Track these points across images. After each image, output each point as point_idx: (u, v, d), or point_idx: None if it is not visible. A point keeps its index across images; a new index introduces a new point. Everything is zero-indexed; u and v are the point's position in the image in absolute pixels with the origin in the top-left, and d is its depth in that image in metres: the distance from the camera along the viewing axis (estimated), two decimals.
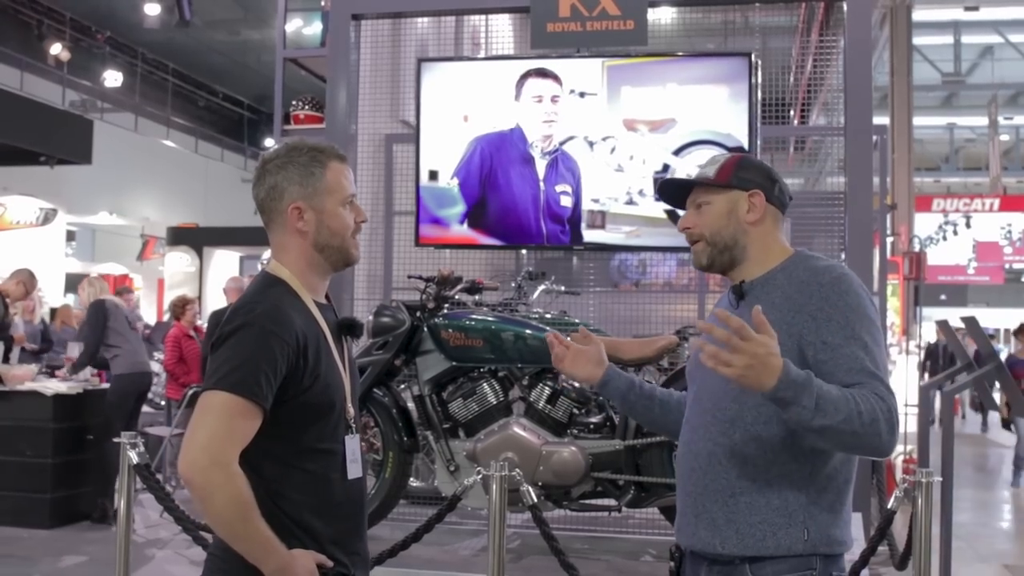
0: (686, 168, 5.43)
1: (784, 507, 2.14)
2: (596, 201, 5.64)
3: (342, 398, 2.14)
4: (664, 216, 5.51)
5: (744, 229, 2.28)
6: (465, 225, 5.76)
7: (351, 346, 2.29)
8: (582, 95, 5.63)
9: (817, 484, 2.14)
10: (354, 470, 2.16)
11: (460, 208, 5.77)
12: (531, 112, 5.68)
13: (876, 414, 2.01)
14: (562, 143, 5.64)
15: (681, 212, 2.39)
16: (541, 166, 5.65)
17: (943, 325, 6.71)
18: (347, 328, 2.24)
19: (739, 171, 2.30)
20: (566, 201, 5.64)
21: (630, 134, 5.59)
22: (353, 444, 2.17)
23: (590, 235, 5.65)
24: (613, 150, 5.59)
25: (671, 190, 2.44)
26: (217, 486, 1.91)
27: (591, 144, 5.62)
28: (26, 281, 8.22)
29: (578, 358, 2.53)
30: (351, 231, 2.19)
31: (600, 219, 5.63)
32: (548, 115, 5.66)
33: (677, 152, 5.52)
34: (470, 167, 5.73)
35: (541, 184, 5.64)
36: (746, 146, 5.39)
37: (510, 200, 5.70)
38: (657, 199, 5.34)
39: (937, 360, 17.22)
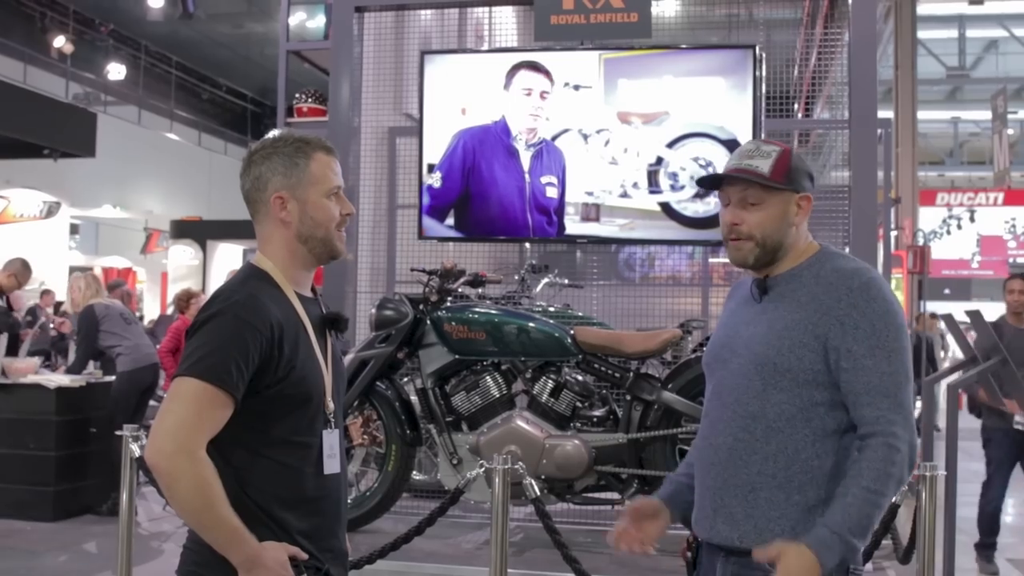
0: (680, 161, 5.42)
1: (804, 503, 2.14)
2: (590, 194, 5.61)
3: (320, 392, 2.11)
4: (658, 209, 5.50)
5: (790, 232, 2.24)
6: (450, 219, 5.74)
7: (335, 341, 2.26)
8: (576, 88, 5.60)
9: (837, 480, 2.13)
10: (331, 465, 2.13)
11: (444, 202, 5.73)
12: (518, 104, 5.65)
13: (888, 473, 2.06)
14: (555, 136, 5.61)
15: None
16: (526, 158, 5.62)
17: (948, 319, 6.69)
18: (331, 323, 2.22)
19: (792, 171, 2.22)
20: (552, 192, 5.61)
21: (624, 127, 5.56)
22: (331, 439, 2.14)
23: (584, 228, 5.61)
24: (607, 143, 5.57)
25: (713, 180, 2.34)
26: (182, 473, 1.91)
27: (585, 137, 5.59)
28: (18, 273, 7.98)
29: (641, 529, 2.37)
30: (335, 223, 2.16)
31: (594, 212, 5.60)
32: (535, 109, 5.64)
33: (671, 145, 5.49)
34: (452, 160, 5.71)
35: (527, 176, 5.62)
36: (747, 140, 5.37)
37: (495, 192, 5.67)
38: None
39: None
